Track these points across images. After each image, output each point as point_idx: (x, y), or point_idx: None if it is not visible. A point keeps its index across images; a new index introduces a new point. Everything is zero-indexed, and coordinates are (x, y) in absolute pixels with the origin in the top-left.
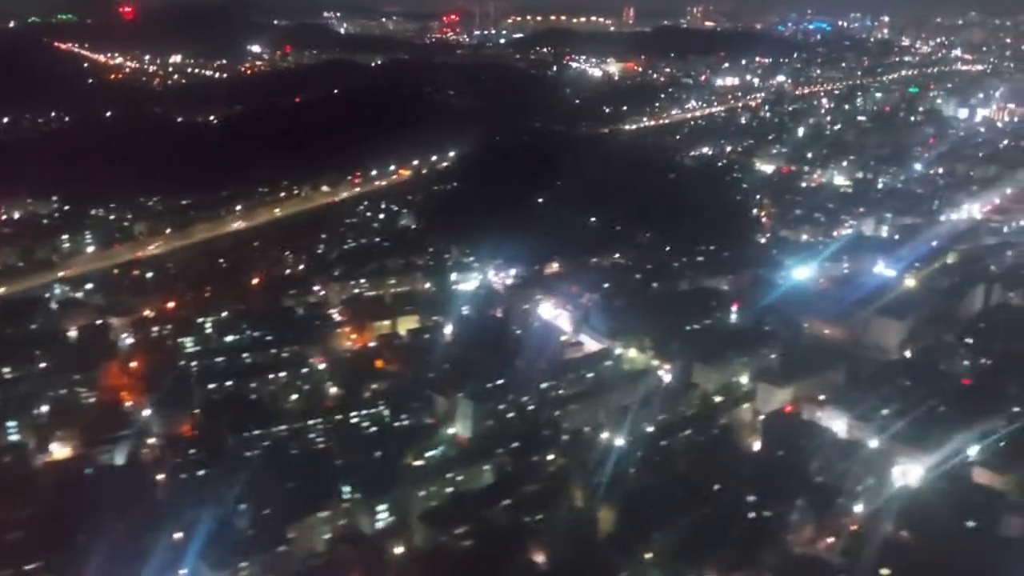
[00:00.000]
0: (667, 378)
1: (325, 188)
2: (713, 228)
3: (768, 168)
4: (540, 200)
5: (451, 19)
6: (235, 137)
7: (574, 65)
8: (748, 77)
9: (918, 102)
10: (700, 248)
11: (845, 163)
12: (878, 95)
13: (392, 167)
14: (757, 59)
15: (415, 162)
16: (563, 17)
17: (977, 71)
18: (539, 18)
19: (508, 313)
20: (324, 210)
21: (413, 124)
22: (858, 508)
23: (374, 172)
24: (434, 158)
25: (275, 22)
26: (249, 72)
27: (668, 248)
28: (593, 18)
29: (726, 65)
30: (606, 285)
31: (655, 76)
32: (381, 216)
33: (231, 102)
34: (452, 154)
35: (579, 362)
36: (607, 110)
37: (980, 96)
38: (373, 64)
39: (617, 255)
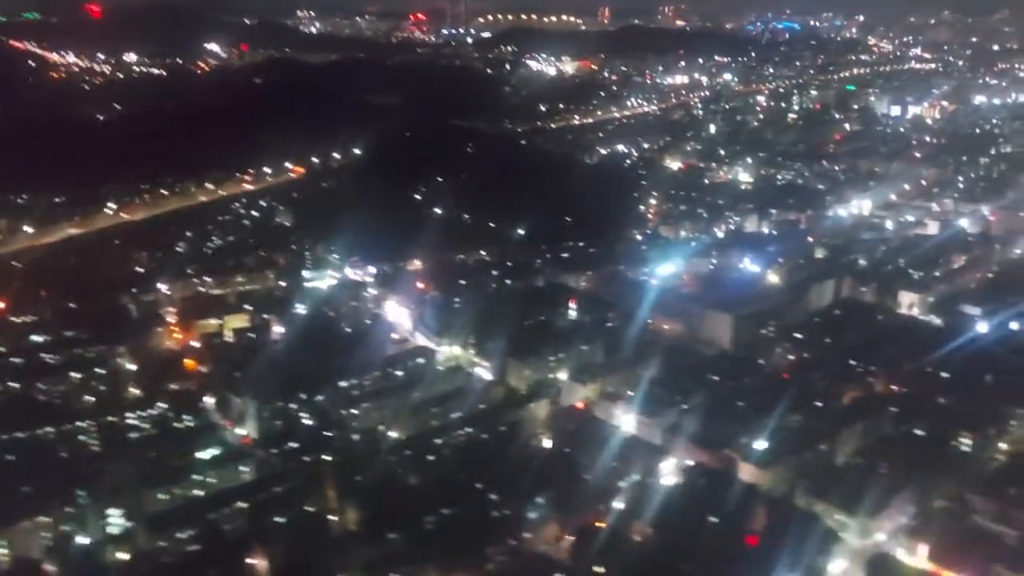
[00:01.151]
0: (486, 376)
1: (210, 185)
2: (591, 225)
3: (676, 165)
4: (418, 197)
5: (418, 18)
6: (135, 135)
7: (531, 64)
8: (697, 75)
9: (852, 100)
10: (568, 244)
11: (751, 160)
12: (814, 93)
13: (288, 164)
14: (716, 58)
15: (315, 160)
16: (535, 16)
17: (928, 69)
18: (511, 17)
19: (340, 311)
20: (202, 208)
21: (326, 122)
22: (618, 505)
23: (267, 169)
24: (337, 155)
25: (245, 21)
26: (197, 71)
27: (540, 245)
28: (565, 17)
29: (682, 64)
30: (448, 282)
31: (606, 75)
32: (255, 213)
33: (151, 99)
34: (350, 152)
35: (390, 360)
36: (543, 108)
37: (918, 94)
38: (317, 63)
39: (483, 251)
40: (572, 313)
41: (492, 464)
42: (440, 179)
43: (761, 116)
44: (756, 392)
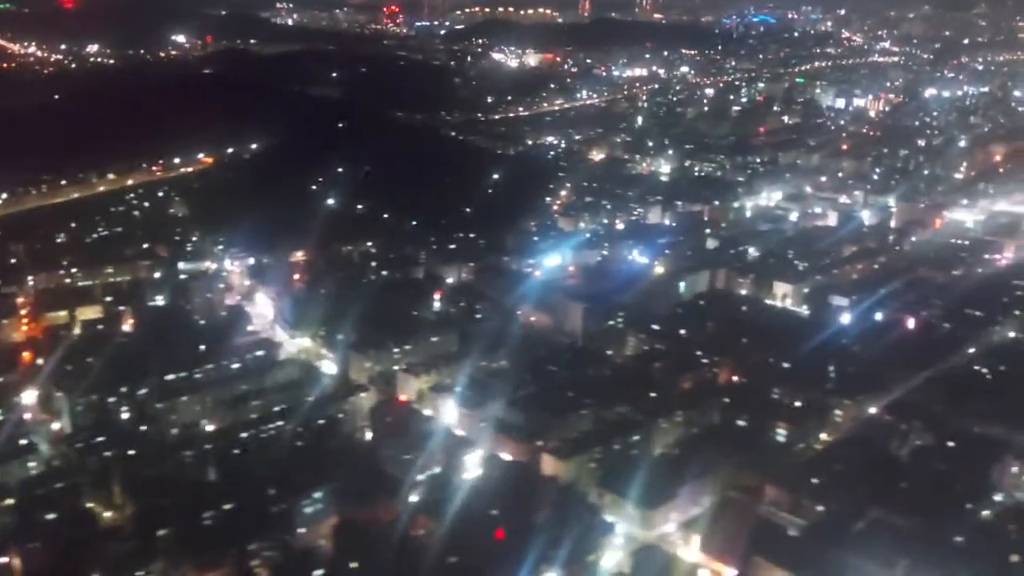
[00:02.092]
0: (330, 368)
1: (112, 176)
2: (489, 216)
3: (600, 156)
4: (316, 188)
5: (392, 10)
6: (56, 125)
7: (494, 56)
8: (656, 68)
9: (799, 92)
10: (458, 236)
11: (675, 152)
12: (761, 85)
13: (200, 155)
14: (683, 51)
15: (230, 150)
16: (512, 9)
17: (891, 62)
18: (487, 9)
19: (196, 303)
20: (97, 198)
21: (255, 113)
22: (413, 498)
23: (177, 160)
24: (253, 146)
25: (222, 13)
26: (149, 62)
27: (430, 236)
28: (543, 10)
29: (647, 56)
30: (322, 274)
31: (566, 67)
32: (148, 204)
33: (89, 90)
34: (265, 143)
35: (228, 352)
36: (489, 100)
37: (868, 86)
38: (269, 55)
39: (370, 243)
40: (436, 305)
41: (294, 458)
42: (346, 171)
43: (705, 108)
44: (588, 383)
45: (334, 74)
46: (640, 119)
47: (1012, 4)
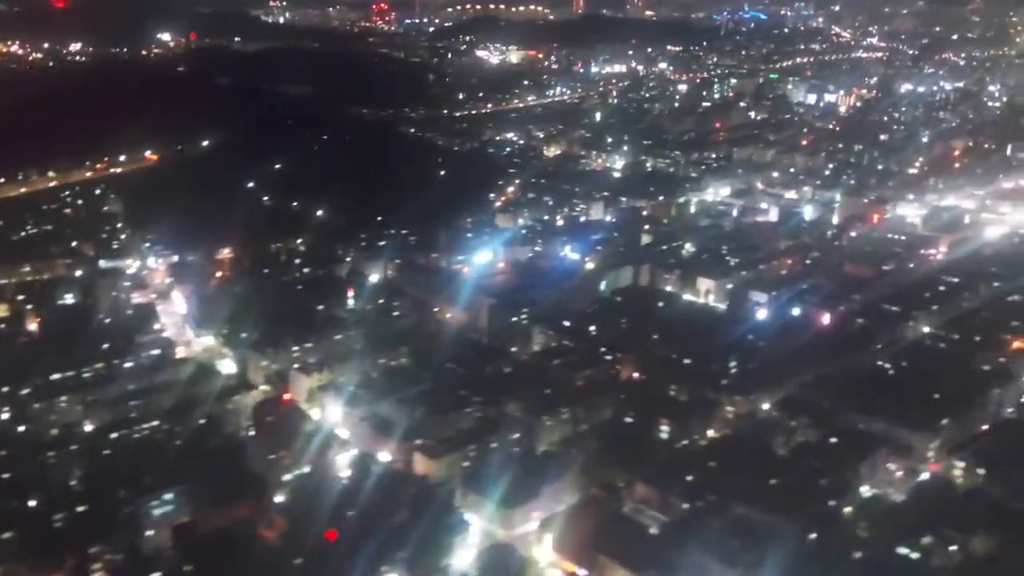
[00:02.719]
0: (229, 367)
1: (51, 174)
2: (426, 213)
3: (555, 152)
4: (253, 185)
5: (380, 7)
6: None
7: (479, 53)
8: (635, 65)
9: (771, 88)
10: (389, 233)
11: (630, 148)
12: (733, 81)
13: (146, 153)
14: (668, 47)
15: (179, 148)
16: (503, 6)
17: (873, 58)
18: (478, 7)
19: (102, 301)
20: (31, 196)
21: (216, 110)
22: (278, 499)
23: (123, 157)
24: (205, 143)
25: (209, 11)
26: (125, 59)
27: (361, 233)
28: (533, 7)
29: (630, 52)
30: (242, 272)
31: (546, 64)
32: (81, 202)
33: (55, 87)
34: (216, 140)
35: (122, 351)
36: (460, 96)
37: (842, 82)
38: (247, 52)
39: (299, 240)
40: (350, 302)
41: (161, 458)
42: (289, 168)
43: (676, 104)
44: (483, 381)
45: (306, 71)
46: (604, 116)
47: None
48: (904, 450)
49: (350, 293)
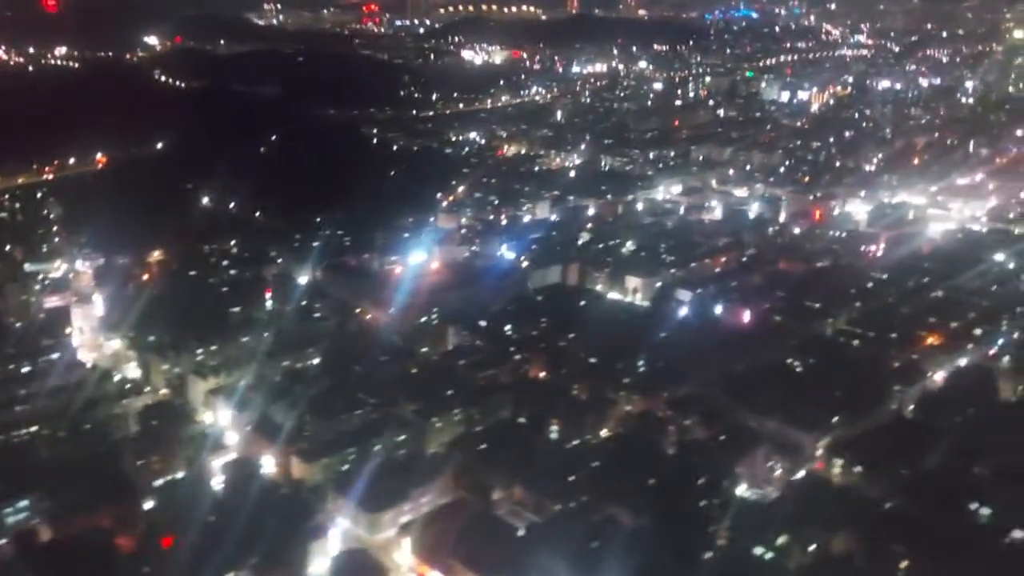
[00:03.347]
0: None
1: None
2: (368, 213)
3: (513, 152)
4: (192, 187)
5: (370, 9)
6: None
7: (464, 54)
8: (616, 64)
9: (745, 86)
10: (324, 233)
11: (587, 146)
12: (707, 79)
13: (96, 156)
14: (655, 47)
15: (132, 150)
16: (495, 7)
17: (857, 55)
18: (470, 8)
19: (10, 305)
20: None
21: (170, 113)
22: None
23: (72, 160)
24: (159, 146)
25: (198, 14)
26: (104, 63)
27: (295, 234)
28: (526, 8)
29: (614, 51)
30: (170, 274)
31: (527, 64)
32: (19, 205)
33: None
34: (166, 142)
35: (16, 356)
36: (434, 97)
37: (819, 80)
38: (227, 55)
39: (232, 241)
40: (268, 304)
41: (28, 463)
42: (235, 170)
43: (648, 103)
44: (384, 382)
45: (280, 73)
46: (572, 115)
47: None
48: (790, 449)
49: (268, 295)
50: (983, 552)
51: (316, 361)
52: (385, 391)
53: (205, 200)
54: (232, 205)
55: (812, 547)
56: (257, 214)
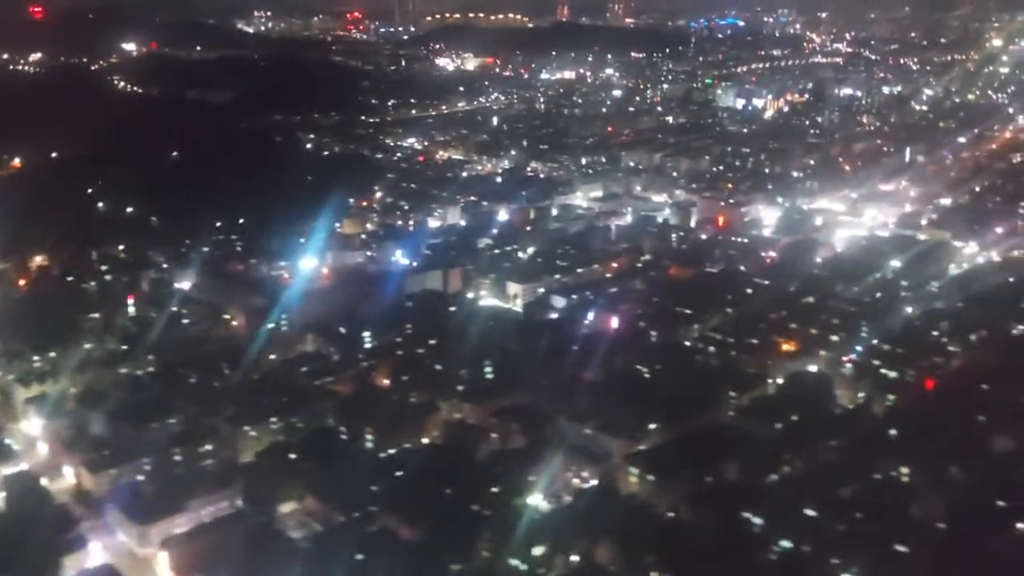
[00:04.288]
0: None
1: None
2: (269, 218)
3: (445, 157)
4: (91, 190)
5: (354, 16)
6: None
7: (438, 60)
8: (583, 71)
9: (701, 93)
10: (215, 239)
11: (518, 151)
12: (665, 86)
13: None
14: (632, 54)
15: (54, 155)
16: (482, 15)
17: (830, 63)
18: (457, 15)
19: None
20: None
21: (105, 118)
22: None
23: None
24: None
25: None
26: (70, 69)
27: (185, 240)
28: (512, 15)
29: (590, 59)
30: (40, 279)
31: (497, 71)
32: None
33: None
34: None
35: None
36: (390, 103)
37: (777, 86)
38: (193, 60)
39: (121, 247)
40: (131, 310)
41: None
42: (143, 174)
43: (603, 109)
44: (222, 390)
45: (238, 79)
46: (517, 120)
47: (993, 5)
48: (599, 457)
49: (130, 301)
50: (739, 563)
51: (150, 369)
52: (209, 399)
53: (103, 204)
54: (130, 209)
55: (572, 558)
56: (154, 219)
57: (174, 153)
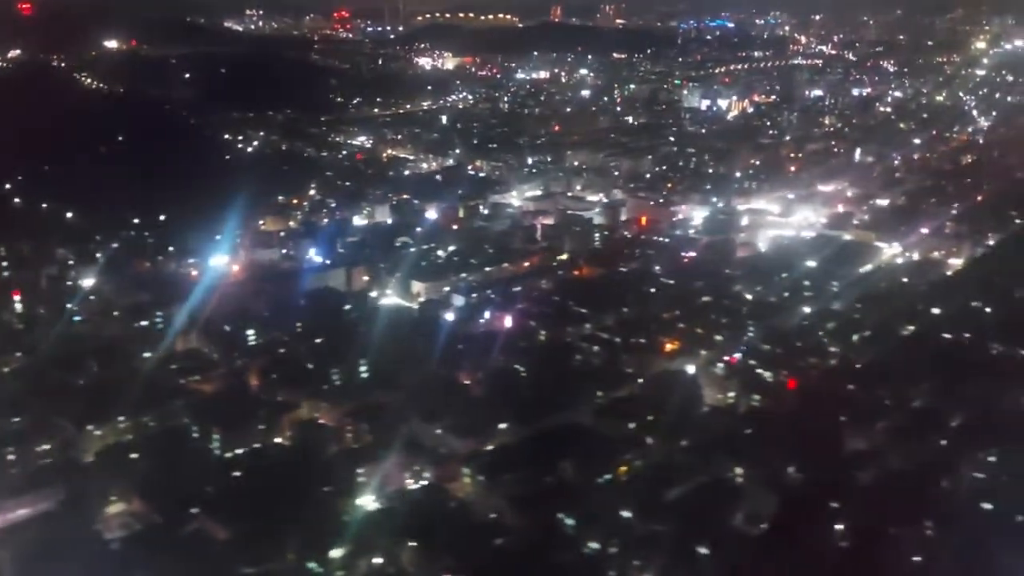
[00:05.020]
0: None
1: None
2: (189, 215)
3: (390, 155)
4: (9, 186)
5: (341, 15)
6: None
7: (419, 60)
8: (557, 71)
9: (667, 94)
10: (125, 235)
11: (466, 149)
12: (632, 86)
13: None
14: (615, 55)
15: None
16: (472, 14)
17: (808, 64)
18: (448, 15)
19: None
20: None
21: (55, 116)
22: None
23: None
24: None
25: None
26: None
27: (96, 236)
28: (503, 16)
29: (571, 59)
30: None
31: (473, 71)
32: None
33: None
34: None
35: None
36: (355, 101)
37: (744, 88)
38: (166, 56)
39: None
40: (17, 307)
41: None
42: (70, 170)
43: (568, 109)
44: (72, 388)
45: (201, 76)
46: (472, 119)
47: (987, 8)
48: (442, 458)
49: (16, 297)
50: (539, 564)
51: (16, 367)
52: (63, 397)
53: (18, 199)
54: (44, 205)
55: (375, 560)
56: (69, 214)
57: (102, 149)
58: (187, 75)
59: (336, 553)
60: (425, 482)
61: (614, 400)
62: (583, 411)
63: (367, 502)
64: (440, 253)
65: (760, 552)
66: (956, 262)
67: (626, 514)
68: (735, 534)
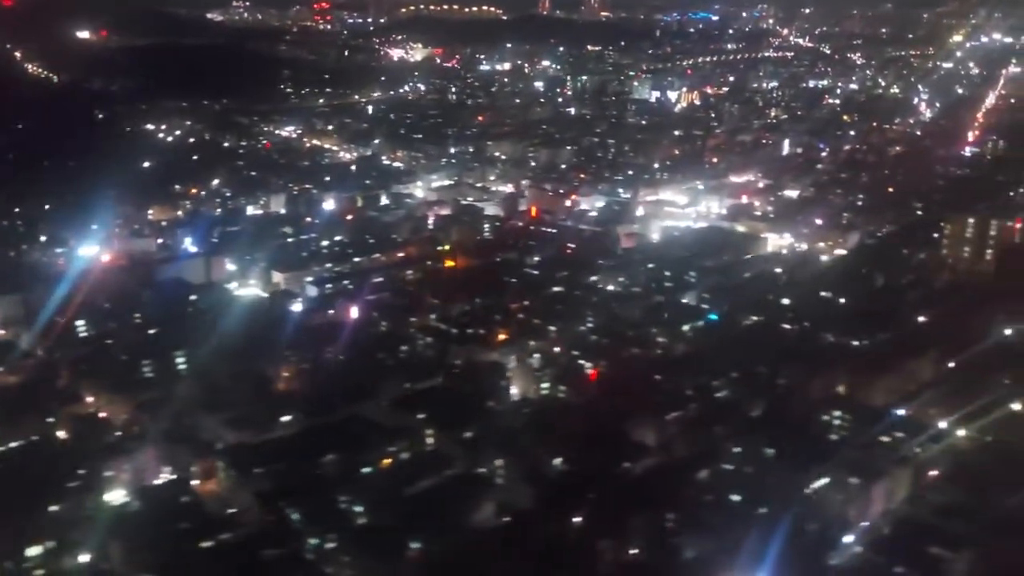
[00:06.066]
0: None
1: None
2: (73, 204)
3: (312, 145)
4: None
5: (320, 6)
6: None
7: (390, 51)
8: (520, 62)
9: (618, 86)
10: None
11: (388, 140)
12: (584, 78)
13: None
14: (588, 47)
15: None
16: (455, 6)
17: (777, 57)
18: (432, 7)
19: None
20: None
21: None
22: None
23: None
24: None
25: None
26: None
27: None
28: (486, 8)
29: (543, 51)
30: None
31: (438, 62)
32: None
33: None
34: None
35: None
36: (304, 91)
37: (697, 80)
38: (116, 48)
39: None
40: None
41: None
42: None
43: (517, 100)
44: None
45: (150, 67)
46: (407, 110)
47: (976, 2)
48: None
49: None
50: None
51: None
52: None
53: None
54: None
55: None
56: None
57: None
58: (137, 66)
59: (34, 551)
60: (172, 476)
61: (415, 392)
62: (380, 403)
63: (115, 497)
64: (319, 244)
65: (484, 545)
66: (841, 253)
67: (357, 508)
68: (465, 528)
